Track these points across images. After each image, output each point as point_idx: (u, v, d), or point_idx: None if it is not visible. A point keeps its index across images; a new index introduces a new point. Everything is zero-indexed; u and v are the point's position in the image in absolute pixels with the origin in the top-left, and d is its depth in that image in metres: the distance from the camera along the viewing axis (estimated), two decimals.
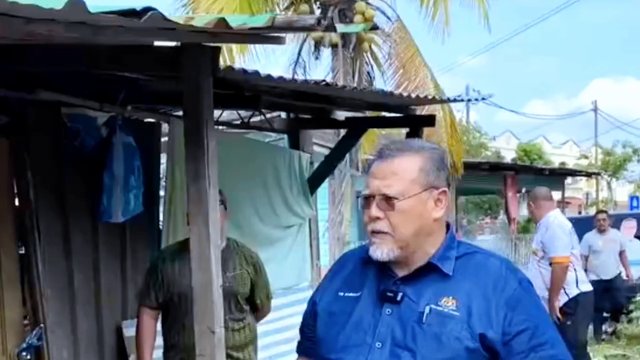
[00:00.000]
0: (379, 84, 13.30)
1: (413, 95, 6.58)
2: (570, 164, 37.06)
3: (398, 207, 2.10)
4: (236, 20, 2.80)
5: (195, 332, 3.19)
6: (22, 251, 5.19)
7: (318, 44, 13.10)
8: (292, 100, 5.97)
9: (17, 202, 5.24)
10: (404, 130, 7.08)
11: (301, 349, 2.37)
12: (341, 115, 7.08)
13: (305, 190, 6.97)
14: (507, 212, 20.00)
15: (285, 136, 7.53)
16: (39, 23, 2.51)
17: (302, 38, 13.14)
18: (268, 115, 7.13)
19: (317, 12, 12.97)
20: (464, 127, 32.51)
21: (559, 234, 6.78)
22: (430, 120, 6.73)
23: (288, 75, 11.71)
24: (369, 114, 7.03)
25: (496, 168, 19.27)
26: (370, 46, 13.08)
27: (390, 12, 13.07)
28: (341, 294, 2.21)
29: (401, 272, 2.15)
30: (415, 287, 2.11)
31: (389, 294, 2.12)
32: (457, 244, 2.19)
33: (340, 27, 4.64)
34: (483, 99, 7.29)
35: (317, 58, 13.25)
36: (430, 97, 8.53)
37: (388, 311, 2.10)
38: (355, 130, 6.99)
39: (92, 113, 5.59)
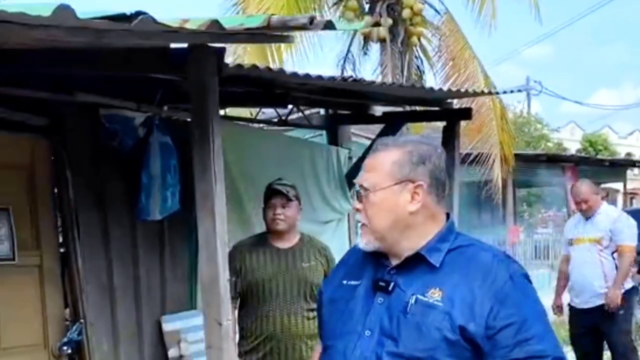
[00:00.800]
0: (429, 77, 13.25)
1: (453, 89, 6.59)
2: (637, 155, 36.17)
3: (370, 199, 2.17)
4: (232, 22, 2.88)
5: (204, 324, 3.29)
6: (62, 249, 5.38)
7: (367, 39, 13.08)
8: (324, 96, 6.04)
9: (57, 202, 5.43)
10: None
11: (319, 336, 2.44)
12: (379, 110, 7.11)
13: (343, 186, 7.03)
14: (567, 204, 19.67)
15: (324, 132, 7.60)
16: (39, 29, 2.64)
17: (351, 34, 13.14)
18: (306, 112, 7.21)
19: (366, 7, 12.99)
20: (524, 118, 32.10)
21: (631, 224, 6.81)
22: (467, 114, 6.72)
23: (331, 73, 11.79)
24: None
25: (555, 160, 18.95)
26: (419, 40, 13.01)
27: (439, 6, 12.99)
28: (344, 282, 2.28)
29: (394, 262, 2.20)
30: (407, 278, 2.15)
31: (381, 284, 2.17)
32: (455, 236, 2.21)
33: (341, 25, 4.66)
34: (519, 91, 7.26)
35: (365, 53, 13.24)
36: (476, 90, 8.51)
37: (380, 300, 2.15)
38: (393, 125, 7.01)
39: (129, 113, 5.75)
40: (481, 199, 15.69)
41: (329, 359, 2.24)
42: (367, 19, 11.70)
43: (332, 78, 5.20)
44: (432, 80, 13.04)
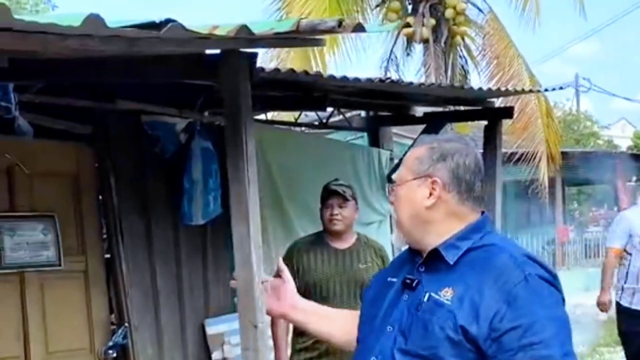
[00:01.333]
0: (473, 76, 13.16)
1: (498, 87, 6.54)
2: None
3: (395, 192, 2.25)
4: (262, 27, 2.91)
5: (240, 326, 3.32)
6: (107, 255, 5.48)
7: (410, 40, 13.05)
8: (364, 98, 6.06)
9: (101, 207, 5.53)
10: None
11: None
12: (420, 111, 7.10)
13: (384, 187, 7.03)
14: (618, 202, 19.39)
15: (365, 134, 7.61)
16: (73, 38, 2.70)
17: (394, 35, 13.13)
18: (347, 115, 7.23)
19: (409, 8, 12.96)
20: (574, 116, 31.67)
21: None
22: (508, 112, 6.67)
23: (374, 74, 11.79)
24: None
25: (605, 157, 18.66)
26: (463, 39, 12.93)
27: (483, 4, 12.89)
28: (389, 279, 2.30)
29: (422, 259, 2.22)
30: (430, 275, 2.15)
31: (408, 281, 2.19)
32: (481, 235, 2.16)
33: (371, 27, 4.66)
34: (561, 88, 7.15)
35: (408, 54, 13.21)
36: (517, 89, 8.44)
37: (405, 297, 2.16)
38: (434, 125, 6.99)
39: (171, 120, 5.84)
40: (529, 198, 15.52)
41: (358, 354, 2.26)
42: (399, 20, 11.69)
43: (370, 80, 5.21)
44: (477, 79, 12.96)
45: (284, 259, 4.70)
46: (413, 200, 2.18)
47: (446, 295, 2.06)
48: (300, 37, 3.17)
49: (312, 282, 4.51)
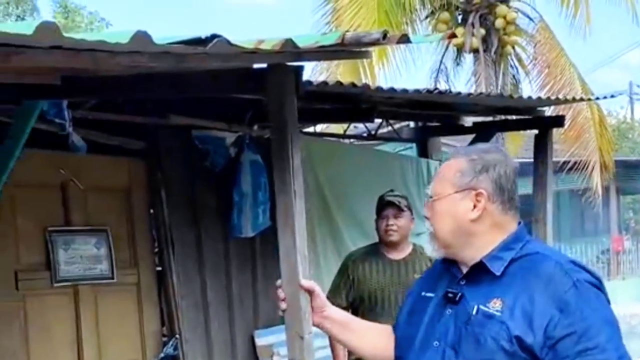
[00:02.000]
0: (525, 85, 13.05)
1: (552, 97, 6.47)
2: None
3: (433, 207, 2.19)
4: (307, 40, 2.93)
5: (286, 338, 3.34)
6: (158, 267, 5.56)
7: (460, 51, 13.01)
8: (412, 109, 6.06)
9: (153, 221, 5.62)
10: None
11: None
12: (469, 120, 7.07)
13: None
14: None
15: (414, 145, 7.60)
16: (122, 55, 2.76)
17: (444, 45, 13.10)
18: (396, 126, 7.23)
19: (459, 18, 12.93)
20: (628, 124, 31.11)
21: None
22: (559, 121, 6.60)
23: (424, 86, 11.76)
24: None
25: None
26: (513, 48, 12.85)
27: (533, 13, 12.79)
28: (423, 294, 2.29)
29: (463, 272, 2.21)
30: (473, 288, 2.14)
31: (450, 295, 2.18)
32: (522, 245, 2.15)
33: (416, 39, 4.66)
34: (612, 96, 7.04)
35: (458, 64, 13.16)
36: (568, 97, 8.34)
37: (449, 311, 2.14)
38: (483, 135, 6.95)
39: (220, 134, 5.91)
40: (583, 207, 15.32)
41: None
42: (445, 30, 11.65)
43: (418, 91, 5.21)
44: (528, 88, 12.85)
45: (340, 270, 4.76)
46: (456, 213, 2.15)
47: (495, 306, 2.05)
48: (346, 49, 3.19)
49: (367, 292, 4.54)
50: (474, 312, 2.08)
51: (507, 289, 2.07)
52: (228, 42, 2.67)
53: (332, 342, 4.56)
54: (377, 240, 4.73)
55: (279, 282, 2.76)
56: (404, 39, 3.10)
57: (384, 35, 2.86)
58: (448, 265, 2.25)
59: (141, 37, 2.44)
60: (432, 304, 2.22)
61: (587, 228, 18.55)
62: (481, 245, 2.16)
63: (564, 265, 2.08)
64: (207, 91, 3.80)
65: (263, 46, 2.82)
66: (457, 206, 2.15)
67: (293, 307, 3.16)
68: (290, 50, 2.86)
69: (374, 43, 2.92)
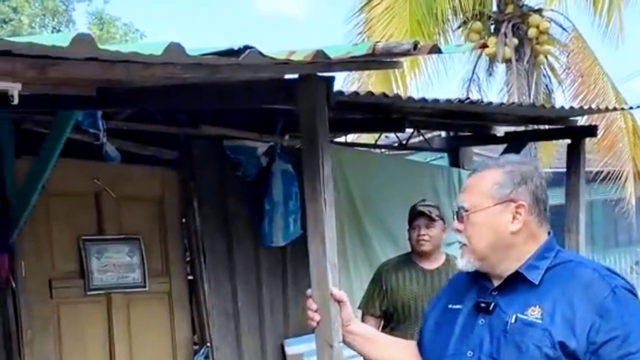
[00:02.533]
0: (558, 95, 12.98)
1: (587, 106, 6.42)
2: None
3: (470, 220, 2.16)
4: (338, 51, 2.95)
5: (316, 346, 3.35)
6: (190, 276, 5.60)
7: (492, 60, 12.97)
8: (443, 119, 6.05)
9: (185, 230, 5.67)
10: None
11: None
12: (501, 130, 7.04)
13: None
14: None
15: (445, 154, 7.59)
16: (155, 67, 2.80)
17: (476, 55, 13.07)
18: (427, 135, 7.22)
19: (491, 28, 12.90)
20: None
21: None
22: (592, 131, 6.55)
23: (455, 96, 11.74)
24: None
25: None
26: (546, 58, 12.79)
27: (566, 23, 12.72)
28: (450, 306, 2.30)
29: (495, 283, 2.20)
30: (507, 297, 2.15)
31: (482, 305, 2.18)
32: (555, 253, 2.18)
33: (448, 49, 4.66)
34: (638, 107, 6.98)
35: (490, 74, 13.12)
36: (601, 107, 8.28)
37: (481, 321, 2.15)
38: (515, 144, 6.92)
39: (252, 144, 5.95)
40: (616, 217, 15.16)
41: None
42: (477, 40, 11.62)
43: (449, 101, 5.20)
44: (561, 98, 12.77)
45: (373, 279, 4.76)
46: (496, 226, 2.15)
47: (534, 314, 2.07)
48: (377, 60, 3.21)
49: (400, 302, 4.54)
50: (512, 320, 2.09)
51: (545, 297, 2.09)
52: (260, 53, 2.70)
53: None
54: (408, 249, 4.73)
55: (309, 291, 2.78)
56: (435, 50, 3.11)
57: (415, 46, 2.87)
58: (475, 277, 2.25)
59: (175, 48, 2.47)
60: (461, 315, 2.22)
61: (621, 238, 18.34)
62: (517, 256, 2.16)
63: (600, 271, 2.11)
64: (239, 102, 3.83)
65: (294, 57, 2.85)
66: (497, 219, 2.14)
67: (323, 315, 3.17)
68: (322, 61, 2.88)
69: (405, 53, 2.93)
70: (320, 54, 2.83)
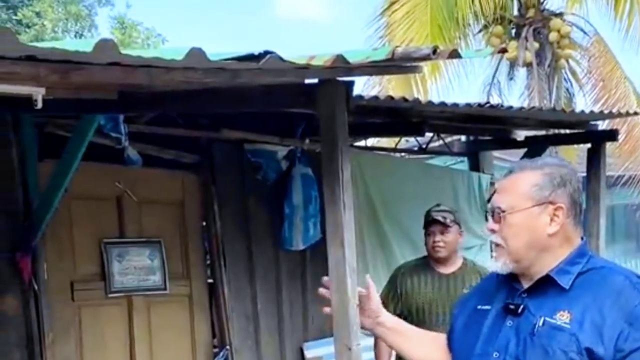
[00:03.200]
0: (579, 99, 12.93)
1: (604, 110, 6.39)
2: None
3: (507, 221, 2.15)
4: (358, 55, 2.97)
5: (334, 349, 3.37)
6: (210, 279, 5.63)
7: (513, 64, 12.95)
8: (463, 123, 6.05)
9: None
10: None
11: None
12: (522, 134, 7.02)
13: (485, 211, 6.97)
14: None
15: (465, 158, 7.58)
16: (177, 71, 2.83)
17: (497, 59, 13.04)
18: (447, 140, 7.22)
19: (512, 32, 12.87)
20: None
21: None
22: (612, 135, 6.53)
23: (476, 100, 11.72)
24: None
25: None
26: (567, 62, 12.75)
27: (587, 27, 12.68)
28: (478, 307, 2.30)
29: (525, 285, 2.21)
30: (537, 300, 2.15)
31: (511, 307, 2.18)
32: (587, 259, 2.18)
33: (467, 54, 4.66)
34: None
35: (511, 78, 13.09)
36: (624, 111, 8.24)
37: (509, 323, 2.16)
38: (536, 149, 6.91)
39: (272, 147, 5.98)
40: (638, 222, 15.05)
41: None
42: (498, 44, 11.61)
43: (468, 105, 5.21)
44: (582, 102, 12.72)
45: (389, 282, 4.76)
46: (533, 227, 2.15)
47: (562, 318, 2.07)
48: (396, 65, 3.22)
49: (415, 305, 4.53)
50: (541, 323, 2.09)
51: (575, 302, 2.09)
52: (280, 58, 2.73)
53: (377, 355, 4.57)
54: (426, 253, 4.72)
55: (325, 278, 2.76)
56: (455, 54, 3.12)
57: (434, 51, 2.88)
58: (505, 278, 2.25)
59: (196, 53, 2.51)
60: (490, 316, 2.23)
61: None
62: (551, 259, 2.16)
63: (632, 279, 2.11)
64: (259, 106, 3.86)
65: (314, 62, 2.87)
66: (535, 220, 2.14)
67: (341, 318, 3.20)
68: (341, 65, 2.90)
69: (425, 58, 2.94)
70: (340, 58, 2.85)
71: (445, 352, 2.42)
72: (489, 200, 7.02)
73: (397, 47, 2.98)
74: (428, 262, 4.63)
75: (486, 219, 2.32)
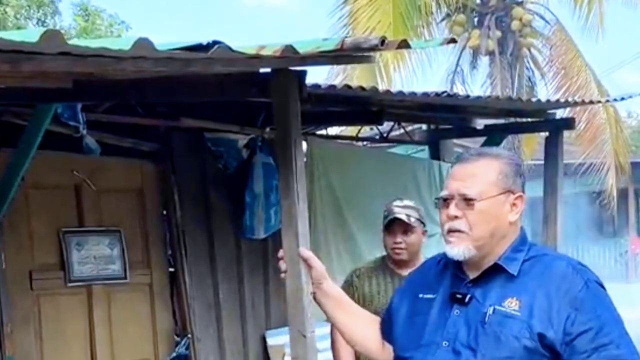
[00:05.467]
0: (540, 87, 13.07)
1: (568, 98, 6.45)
2: None
3: (477, 207, 2.17)
4: (308, 45, 2.99)
5: (290, 336, 3.41)
6: (171, 268, 5.63)
7: (476, 53, 13.05)
8: (423, 112, 6.10)
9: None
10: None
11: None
12: (481, 123, 7.09)
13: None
14: None
15: (426, 147, 7.64)
16: (127, 61, 2.83)
17: (460, 48, 13.13)
18: (408, 128, 7.27)
19: (475, 20, 12.96)
20: None
21: None
22: (569, 123, 6.61)
23: (440, 88, 11.79)
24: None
25: None
26: (529, 51, 12.88)
27: (548, 15, 12.81)
28: (420, 295, 2.32)
29: (472, 275, 2.23)
30: (483, 289, 2.19)
31: (458, 296, 2.21)
32: (528, 247, 2.24)
33: (417, 44, 4.69)
34: (630, 97, 7.04)
35: (474, 67, 13.20)
36: (585, 99, 8.35)
37: (456, 312, 2.19)
38: (495, 137, 6.98)
39: (233, 136, 5.98)
40: (600, 210, 15.27)
41: None
42: (461, 33, 11.73)
43: (426, 94, 5.25)
44: (544, 90, 12.86)
45: (343, 287, 4.39)
46: (499, 215, 2.19)
47: (512, 306, 2.12)
48: (347, 55, 3.24)
49: (374, 310, 4.02)
50: (491, 312, 2.13)
51: (522, 289, 2.14)
52: (229, 48, 2.74)
53: (335, 345, 4.10)
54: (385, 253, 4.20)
55: (280, 252, 2.77)
56: (404, 45, 3.15)
57: (383, 41, 2.91)
58: (446, 267, 2.29)
59: (143, 43, 2.51)
60: (435, 305, 2.25)
61: (606, 230, 18.48)
62: (502, 247, 2.21)
63: (575, 265, 2.18)
64: (214, 95, 3.87)
65: (264, 52, 2.89)
66: (500, 208, 2.19)
67: (295, 307, 3.24)
68: (291, 55, 2.92)
69: (373, 48, 2.97)
70: (289, 48, 2.87)
71: (379, 337, 2.47)
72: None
73: (346, 37, 3.01)
74: (387, 264, 4.10)
75: (436, 206, 2.30)
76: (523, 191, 2.23)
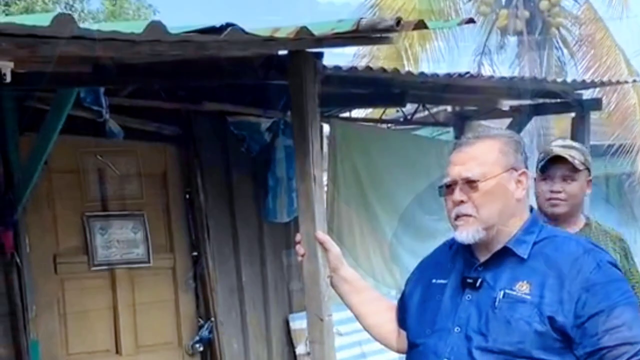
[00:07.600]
0: (570, 67, 12.91)
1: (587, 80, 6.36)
2: None
3: (481, 188, 2.15)
4: (322, 27, 2.96)
5: (307, 320, 3.40)
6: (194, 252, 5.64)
7: (504, 33, 12.92)
8: (447, 93, 6.05)
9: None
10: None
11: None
12: (507, 104, 7.01)
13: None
14: None
15: (451, 129, 7.58)
16: (142, 44, 2.82)
17: (487, 28, 13.01)
18: (433, 110, 7.22)
19: (503, 1, 12.83)
20: None
21: None
22: (596, 104, 6.53)
23: (467, 69, 11.68)
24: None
25: None
26: (558, 30, 12.72)
27: None
28: (433, 281, 2.30)
29: (482, 257, 2.21)
30: (494, 273, 2.17)
31: (469, 280, 2.19)
32: (539, 228, 2.21)
33: (434, 24, 4.64)
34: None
35: (502, 47, 13.06)
36: (614, 79, 8.23)
37: (468, 297, 2.17)
38: (521, 118, 6.90)
39: (255, 119, 5.96)
40: (627, 192, 15.06)
41: (420, 357, 2.26)
42: (488, 13, 11.61)
43: (449, 75, 5.21)
44: (573, 71, 12.70)
45: None
46: (504, 193, 2.17)
47: (522, 289, 2.10)
48: (364, 36, 3.21)
49: None
50: (501, 296, 2.11)
51: (533, 272, 2.12)
52: (242, 30, 2.72)
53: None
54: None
55: (298, 236, 2.80)
56: (420, 26, 3.11)
57: (398, 22, 2.88)
58: (459, 251, 2.26)
59: (155, 26, 2.50)
60: (447, 291, 2.23)
61: (637, 213, 18.26)
62: (512, 228, 2.19)
63: (586, 246, 2.15)
64: (232, 77, 3.86)
65: (278, 34, 2.86)
66: (506, 186, 2.18)
67: (313, 290, 3.22)
68: (306, 37, 2.90)
69: (389, 30, 2.93)
70: (304, 30, 2.85)
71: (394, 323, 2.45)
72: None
73: (362, 19, 2.98)
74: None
75: (440, 195, 2.27)
76: (526, 167, 2.20)
